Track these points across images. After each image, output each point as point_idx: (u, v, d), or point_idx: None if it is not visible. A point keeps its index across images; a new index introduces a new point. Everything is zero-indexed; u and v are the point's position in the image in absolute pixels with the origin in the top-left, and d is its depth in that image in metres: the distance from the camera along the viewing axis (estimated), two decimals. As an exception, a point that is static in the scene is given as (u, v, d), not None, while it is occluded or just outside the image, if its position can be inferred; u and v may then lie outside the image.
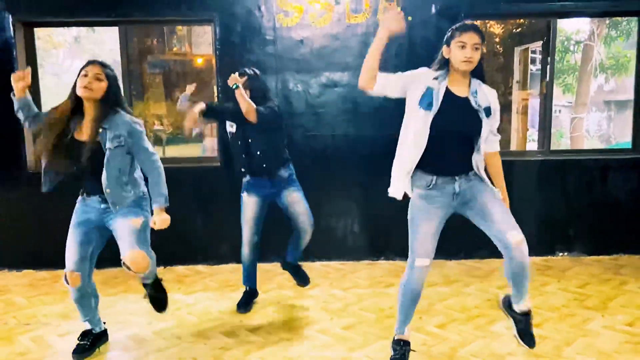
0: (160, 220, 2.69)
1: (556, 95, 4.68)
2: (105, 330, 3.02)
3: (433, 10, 4.24)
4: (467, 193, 2.53)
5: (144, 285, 2.97)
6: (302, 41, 4.27)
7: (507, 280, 2.61)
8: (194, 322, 3.28)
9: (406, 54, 4.28)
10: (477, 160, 2.51)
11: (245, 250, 3.50)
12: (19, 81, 2.70)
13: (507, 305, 2.78)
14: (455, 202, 2.54)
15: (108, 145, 2.62)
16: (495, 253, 4.37)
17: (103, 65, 2.66)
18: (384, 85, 2.49)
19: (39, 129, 2.77)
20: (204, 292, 3.87)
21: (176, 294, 3.78)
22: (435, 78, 2.46)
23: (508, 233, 2.43)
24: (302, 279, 3.64)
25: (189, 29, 9.47)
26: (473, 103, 2.47)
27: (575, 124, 12.53)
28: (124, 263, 2.63)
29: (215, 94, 4.41)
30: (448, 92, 2.45)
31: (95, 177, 2.66)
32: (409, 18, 4.23)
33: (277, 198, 3.42)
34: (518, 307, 2.71)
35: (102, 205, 2.72)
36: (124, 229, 2.66)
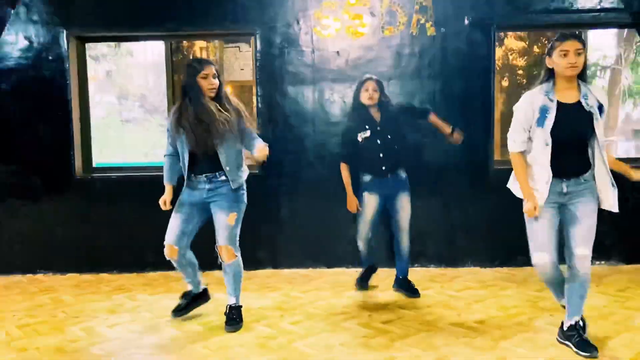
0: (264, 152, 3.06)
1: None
2: (206, 290, 3.42)
3: (466, 21, 4.38)
4: (574, 196, 2.69)
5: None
6: (339, 52, 4.44)
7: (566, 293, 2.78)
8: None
9: (439, 63, 4.41)
10: (597, 159, 2.66)
11: (360, 244, 3.83)
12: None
13: (561, 333, 2.84)
14: (564, 200, 2.70)
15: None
16: (529, 261, 4.43)
17: (213, 64, 3.07)
18: (523, 142, 2.72)
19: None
20: (243, 292, 3.93)
21: (217, 293, 3.87)
22: (545, 94, 2.65)
23: (579, 246, 2.65)
24: (412, 291, 3.77)
25: (220, 55, 9.82)
26: (585, 106, 2.62)
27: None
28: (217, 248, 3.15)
29: (255, 104, 4.58)
30: (558, 102, 2.63)
31: (208, 160, 3.07)
32: (442, 29, 4.38)
33: (395, 199, 3.72)
34: (567, 323, 2.77)
35: (207, 186, 3.12)
36: (222, 223, 3.11)
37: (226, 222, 3.11)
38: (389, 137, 3.65)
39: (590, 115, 2.60)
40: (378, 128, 3.65)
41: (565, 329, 2.79)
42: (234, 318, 3.17)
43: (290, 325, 3.19)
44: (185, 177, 3.16)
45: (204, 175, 3.10)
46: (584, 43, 2.61)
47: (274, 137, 4.49)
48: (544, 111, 2.63)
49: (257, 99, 4.53)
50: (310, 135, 4.50)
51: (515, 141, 2.74)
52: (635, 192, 4.49)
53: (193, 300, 3.37)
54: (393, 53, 4.44)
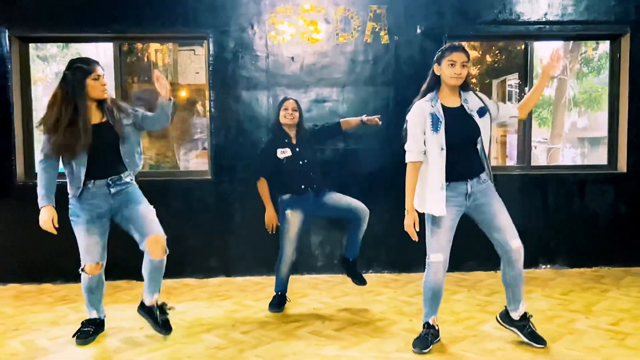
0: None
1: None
2: (103, 321, 3.18)
3: (418, 30, 4.45)
4: (479, 196, 2.79)
5: (154, 309, 3.08)
6: (293, 58, 4.43)
7: (504, 286, 2.91)
8: (186, 326, 3.27)
9: (392, 71, 4.47)
10: (485, 158, 2.80)
11: (284, 267, 3.63)
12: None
13: (505, 318, 2.99)
14: (469, 202, 2.80)
15: (125, 122, 2.96)
16: (481, 265, 4.53)
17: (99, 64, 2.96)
18: (421, 151, 2.78)
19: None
20: (193, 301, 3.86)
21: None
22: (430, 100, 2.77)
23: (510, 240, 2.77)
24: (359, 279, 3.75)
25: (174, 58, 9.65)
26: (466, 109, 2.77)
27: (552, 154, 12.91)
28: (145, 246, 2.91)
29: (207, 109, 4.50)
30: (443, 108, 2.76)
31: (110, 159, 2.92)
32: (396, 37, 4.44)
33: (321, 210, 3.67)
34: (517, 314, 2.91)
35: (112, 190, 2.94)
36: (147, 215, 2.94)
37: (152, 211, 2.99)
38: (308, 158, 3.64)
39: (471, 117, 2.76)
40: (297, 149, 3.62)
41: (516, 318, 2.92)
42: (167, 319, 3.10)
43: (241, 335, 3.13)
44: (78, 186, 2.89)
45: (107, 179, 2.92)
46: (469, 57, 2.77)
47: (226, 142, 4.44)
48: (435, 118, 2.73)
49: (210, 104, 4.45)
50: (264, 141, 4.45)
51: (412, 151, 2.80)
52: (579, 198, 4.67)
53: (100, 326, 3.13)
54: (347, 60, 4.46)
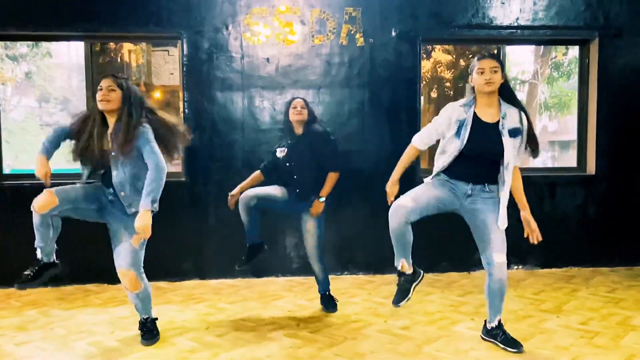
0: (142, 228, 2.73)
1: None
2: (56, 263, 2.95)
3: (393, 33, 4.48)
4: (479, 201, 2.80)
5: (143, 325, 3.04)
6: (269, 59, 4.41)
7: (485, 296, 2.92)
8: (159, 330, 3.22)
9: (368, 73, 4.49)
10: (507, 178, 2.76)
11: (241, 208, 3.52)
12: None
13: (485, 332, 3.01)
14: (465, 202, 2.82)
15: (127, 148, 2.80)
16: (455, 267, 4.58)
17: (114, 77, 2.85)
18: (427, 144, 2.97)
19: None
20: (167, 304, 3.80)
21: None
22: (464, 105, 2.80)
23: (495, 253, 2.78)
24: (326, 306, 3.65)
25: (148, 59, 9.53)
26: (500, 126, 2.74)
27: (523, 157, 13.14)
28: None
29: (181, 110, 4.45)
30: (476, 119, 2.76)
31: (109, 173, 2.88)
32: (371, 40, 4.46)
33: (299, 217, 3.61)
34: (493, 324, 2.93)
35: (110, 197, 2.90)
36: (124, 246, 2.84)
37: (130, 244, 2.83)
38: (295, 161, 3.53)
39: (501, 136, 2.73)
40: (288, 150, 3.57)
41: (489, 328, 2.95)
42: (150, 330, 3.02)
43: (215, 338, 3.10)
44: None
45: (110, 188, 2.89)
46: (500, 62, 2.75)
47: (201, 143, 4.39)
48: (461, 125, 2.76)
49: (183, 105, 4.40)
50: (239, 142, 4.43)
51: (422, 138, 2.95)
52: (550, 200, 4.76)
53: (42, 269, 2.88)
54: (323, 62, 4.46)
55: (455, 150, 2.76)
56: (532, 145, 2.83)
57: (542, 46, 9.83)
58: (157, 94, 9.61)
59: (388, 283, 4.32)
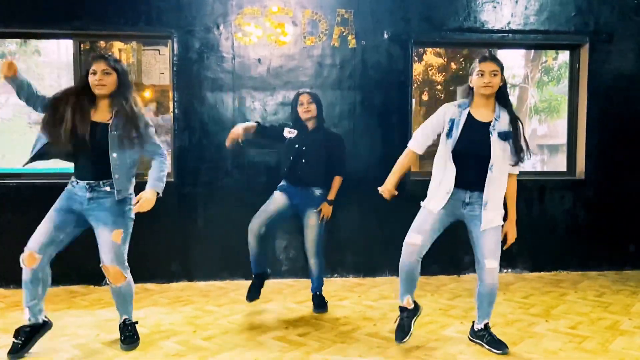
0: (147, 200, 2.73)
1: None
2: (46, 322, 2.90)
3: (385, 35, 4.48)
4: (477, 208, 2.80)
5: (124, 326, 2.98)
6: (260, 60, 4.38)
7: (475, 300, 2.94)
8: (145, 333, 3.17)
9: (359, 75, 4.47)
10: (492, 180, 2.76)
11: (250, 237, 3.58)
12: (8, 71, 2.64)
13: (472, 333, 3.03)
14: (465, 210, 2.83)
15: (129, 134, 2.73)
16: (445, 270, 4.58)
17: (106, 58, 2.75)
18: (423, 147, 2.94)
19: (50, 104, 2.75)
20: (154, 307, 3.76)
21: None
22: (458, 106, 2.82)
23: (487, 259, 2.80)
24: (317, 307, 3.66)
25: (139, 58, 9.45)
26: (491, 127, 2.76)
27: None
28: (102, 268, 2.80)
29: (171, 109, 4.41)
30: (470, 118, 2.80)
31: (96, 161, 2.74)
32: (362, 42, 4.45)
33: (302, 212, 3.62)
34: (479, 326, 2.95)
35: (88, 194, 2.77)
36: (106, 241, 2.76)
37: (110, 240, 2.75)
38: (307, 146, 3.58)
39: (489, 137, 2.75)
40: (302, 136, 3.60)
41: (476, 329, 2.97)
42: (130, 335, 2.95)
43: (202, 341, 3.06)
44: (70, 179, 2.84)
45: (85, 182, 2.76)
46: (501, 65, 2.78)
47: (190, 144, 4.36)
48: (453, 124, 2.79)
49: (173, 104, 4.36)
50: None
51: (417, 140, 2.93)
52: (539, 204, 4.77)
53: (32, 334, 2.81)
54: (314, 63, 4.44)
55: (449, 151, 2.77)
56: (518, 150, 2.81)
57: (533, 50, 9.89)
58: (147, 94, 9.53)
59: (377, 285, 4.31)
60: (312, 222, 3.59)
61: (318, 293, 3.70)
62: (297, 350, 2.92)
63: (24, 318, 2.84)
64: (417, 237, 2.82)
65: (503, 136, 2.76)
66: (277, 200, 3.62)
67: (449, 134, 2.80)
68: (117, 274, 2.81)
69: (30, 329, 2.82)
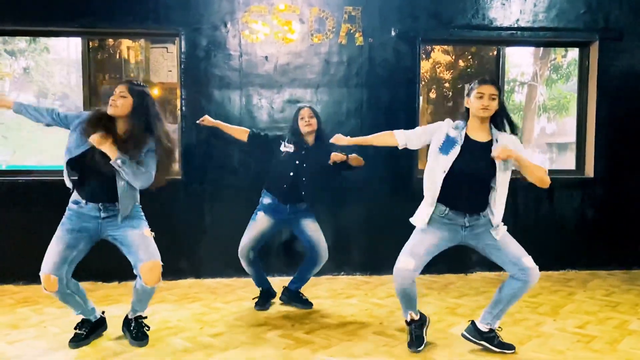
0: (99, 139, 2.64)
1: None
2: (103, 319, 3.10)
3: (392, 33, 4.46)
4: (477, 229, 2.78)
5: (134, 321, 3.02)
6: (267, 58, 4.38)
7: (495, 298, 2.88)
8: (152, 330, 3.18)
9: (366, 73, 4.46)
10: (497, 197, 2.74)
11: (242, 261, 3.60)
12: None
13: (473, 333, 2.93)
14: (465, 232, 2.79)
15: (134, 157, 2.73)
16: (452, 269, 4.56)
17: (129, 82, 2.79)
18: (406, 141, 2.93)
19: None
20: (161, 304, 3.78)
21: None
22: (456, 128, 2.80)
23: (524, 258, 2.79)
24: (305, 304, 3.67)
25: (147, 55, 9.49)
26: (492, 147, 2.72)
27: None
28: (139, 271, 2.82)
29: (179, 107, 4.42)
30: (467, 139, 2.77)
31: (104, 186, 2.76)
32: (370, 40, 4.44)
33: (293, 224, 3.59)
34: (489, 327, 2.89)
35: (103, 214, 2.81)
36: (141, 241, 2.83)
37: (145, 237, 2.85)
38: (308, 163, 3.49)
39: (492, 158, 2.69)
40: (303, 152, 3.50)
41: (485, 330, 2.89)
42: (142, 331, 3.00)
43: (209, 338, 3.07)
44: (72, 196, 2.83)
45: (99, 204, 2.78)
46: (499, 90, 2.76)
47: (197, 141, 4.37)
48: (451, 141, 2.76)
49: (181, 102, 4.37)
50: (236, 141, 4.37)
51: (405, 132, 2.93)
52: (548, 202, 4.75)
53: (92, 329, 2.99)
54: (322, 61, 4.43)
55: (442, 168, 2.72)
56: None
57: (542, 48, 9.82)
58: (155, 91, 9.57)
59: (384, 283, 4.31)
60: (314, 227, 3.58)
61: (298, 290, 3.73)
62: (303, 348, 2.92)
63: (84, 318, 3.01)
64: (410, 262, 2.74)
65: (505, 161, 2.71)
66: (261, 224, 3.54)
67: (443, 149, 2.75)
68: (158, 270, 2.87)
69: (93, 323, 3.02)
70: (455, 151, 2.73)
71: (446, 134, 2.79)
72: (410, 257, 2.75)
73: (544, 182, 2.73)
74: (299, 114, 3.55)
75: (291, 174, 3.47)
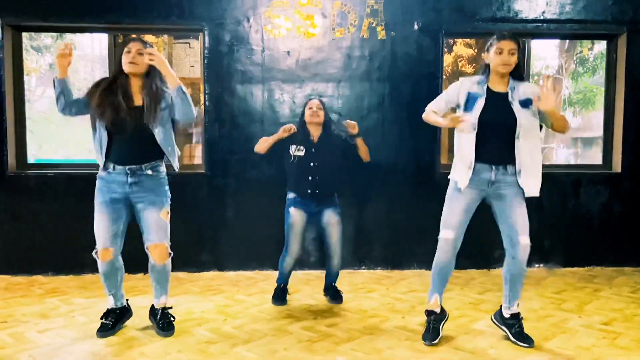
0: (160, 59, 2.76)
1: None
2: (128, 307, 3.16)
3: (415, 27, 4.43)
4: (503, 186, 2.80)
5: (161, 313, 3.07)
6: (289, 52, 4.40)
7: (503, 282, 2.94)
8: (177, 320, 3.23)
9: (388, 67, 4.44)
10: (521, 148, 2.75)
11: (289, 260, 3.59)
12: (63, 57, 2.80)
13: (497, 317, 3.02)
14: (490, 189, 2.82)
15: (163, 104, 2.84)
16: (475, 264, 4.53)
17: (143, 42, 2.85)
18: (441, 112, 2.95)
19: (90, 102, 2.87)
20: (185, 295, 3.83)
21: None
22: (478, 83, 2.84)
23: (520, 235, 2.79)
24: (333, 298, 3.70)
25: (170, 51, 9.59)
26: (510, 97, 2.77)
27: (546, 154, 12.95)
28: (147, 249, 2.94)
29: (202, 102, 4.47)
30: (490, 91, 2.82)
31: (137, 145, 2.84)
32: (392, 33, 4.41)
33: (320, 214, 3.60)
34: (510, 311, 2.93)
35: (130, 179, 2.86)
36: (156, 221, 2.90)
37: (160, 218, 2.91)
38: (320, 161, 3.53)
39: (511, 106, 2.76)
40: (313, 150, 3.55)
41: (507, 316, 2.94)
42: (169, 321, 3.05)
43: (232, 330, 3.11)
44: (101, 165, 2.88)
45: (126, 167, 2.85)
46: (518, 44, 2.77)
47: (220, 136, 4.41)
48: (473, 98, 2.81)
49: (204, 97, 4.42)
50: (258, 135, 4.38)
51: (431, 107, 2.98)
52: (574, 197, 4.67)
53: (120, 315, 3.09)
54: (343, 55, 4.43)
55: (470, 125, 2.76)
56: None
57: (567, 41, 9.63)
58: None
59: (405, 278, 4.30)
60: (334, 220, 3.58)
61: (334, 284, 3.73)
62: (325, 341, 2.94)
63: (107, 305, 3.08)
64: (447, 232, 2.85)
65: (523, 104, 2.76)
66: (298, 219, 3.54)
67: (468, 107, 2.81)
68: (164, 251, 2.94)
69: (120, 310, 3.09)
70: (480, 105, 2.77)
71: (467, 93, 2.83)
72: (446, 227, 2.84)
73: (567, 127, 2.81)
74: (308, 103, 3.62)
75: (310, 178, 3.52)
